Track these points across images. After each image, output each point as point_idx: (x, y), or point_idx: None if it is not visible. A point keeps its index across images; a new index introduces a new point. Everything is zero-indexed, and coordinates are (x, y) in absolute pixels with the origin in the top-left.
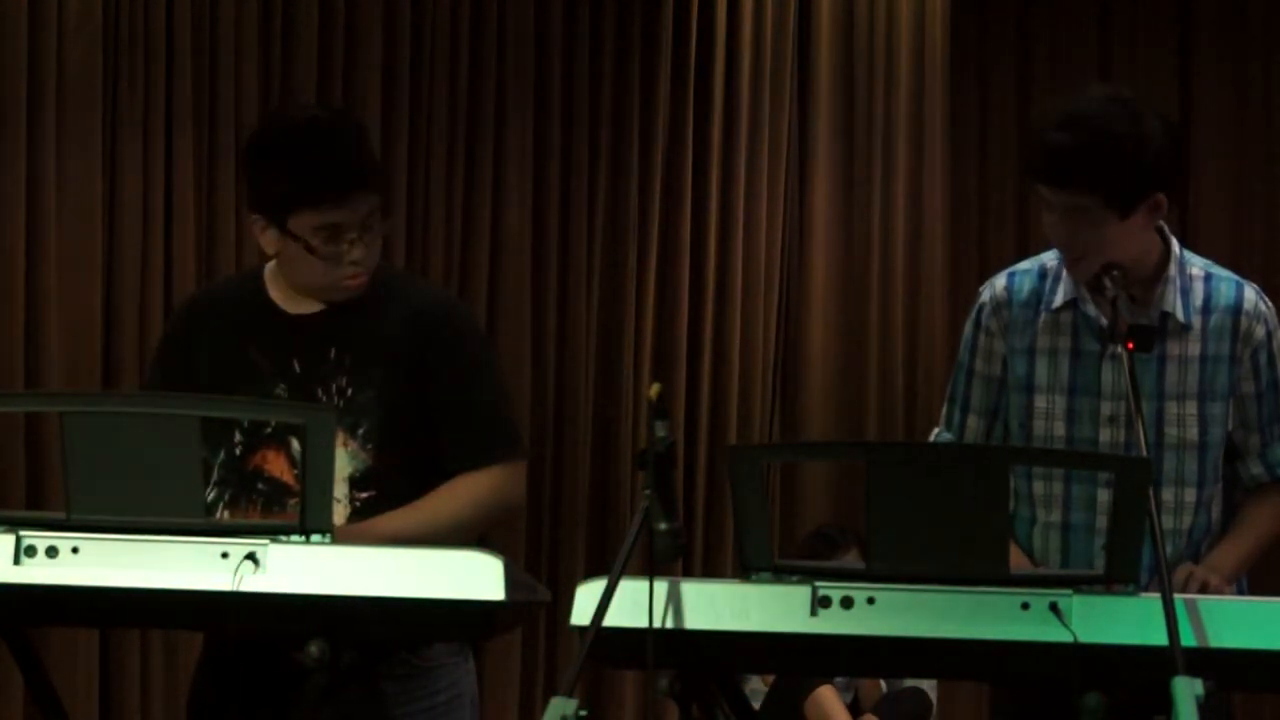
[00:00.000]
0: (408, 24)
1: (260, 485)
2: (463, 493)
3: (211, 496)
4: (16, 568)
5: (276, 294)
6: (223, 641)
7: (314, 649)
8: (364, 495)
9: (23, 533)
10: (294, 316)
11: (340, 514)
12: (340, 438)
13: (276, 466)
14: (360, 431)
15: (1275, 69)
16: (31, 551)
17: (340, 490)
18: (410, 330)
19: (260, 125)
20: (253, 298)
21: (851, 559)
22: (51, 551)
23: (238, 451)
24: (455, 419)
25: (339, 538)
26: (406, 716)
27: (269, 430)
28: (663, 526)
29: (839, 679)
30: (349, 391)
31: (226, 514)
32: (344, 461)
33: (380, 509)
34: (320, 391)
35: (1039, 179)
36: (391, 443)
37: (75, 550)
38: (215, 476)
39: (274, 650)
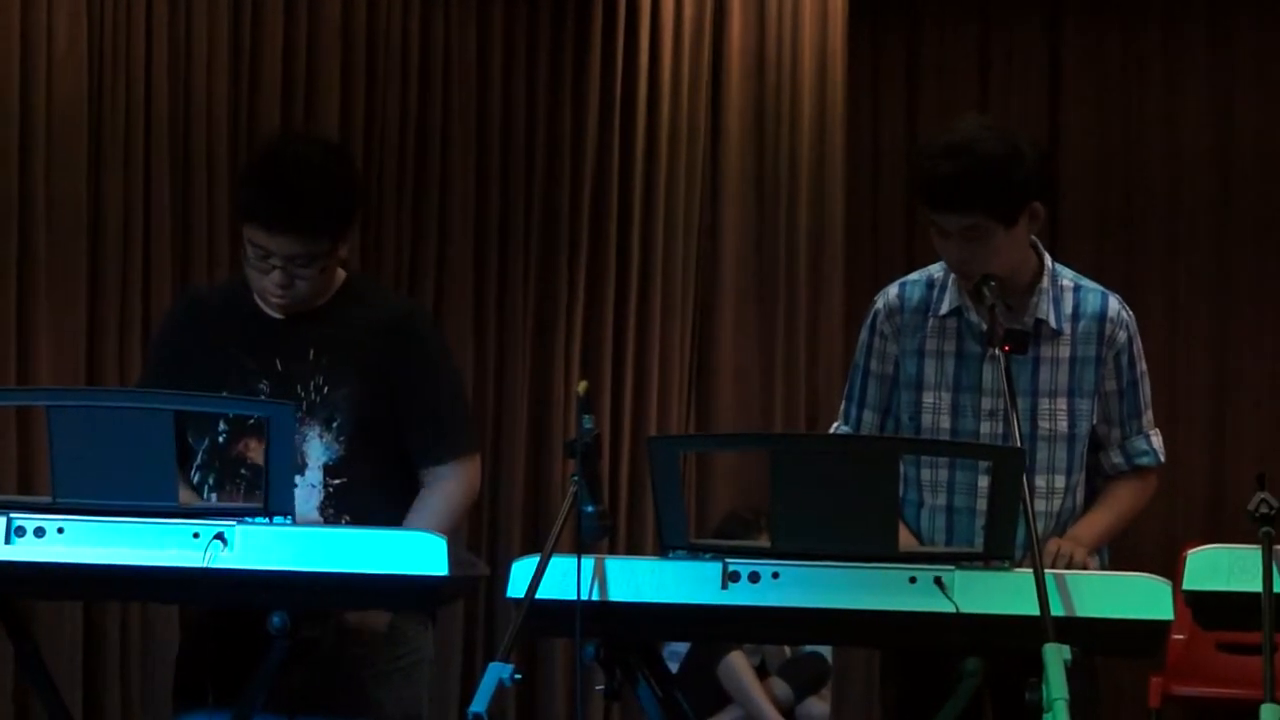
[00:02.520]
0: (362, 48)
1: (243, 471)
2: (440, 504)
3: (197, 479)
4: (8, 546)
5: (260, 299)
6: (210, 613)
7: (276, 619)
8: (336, 482)
9: (13, 515)
10: (276, 321)
11: (316, 498)
12: (317, 430)
13: (258, 454)
14: (334, 425)
15: (1134, 97)
16: (21, 532)
17: (316, 477)
18: (379, 336)
19: (273, 138)
20: (240, 303)
21: (763, 539)
22: (39, 532)
23: (221, 440)
24: (420, 418)
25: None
26: (373, 677)
27: (252, 421)
28: (590, 509)
29: (747, 645)
30: (325, 389)
31: (214, 496)
32: (320, 451)
33: (351, 494)
34: (299, 388)
35: (930, 205)
36: (361, 435)
37: (61, 531)
38: (199, 460)
39: (253, 620)
